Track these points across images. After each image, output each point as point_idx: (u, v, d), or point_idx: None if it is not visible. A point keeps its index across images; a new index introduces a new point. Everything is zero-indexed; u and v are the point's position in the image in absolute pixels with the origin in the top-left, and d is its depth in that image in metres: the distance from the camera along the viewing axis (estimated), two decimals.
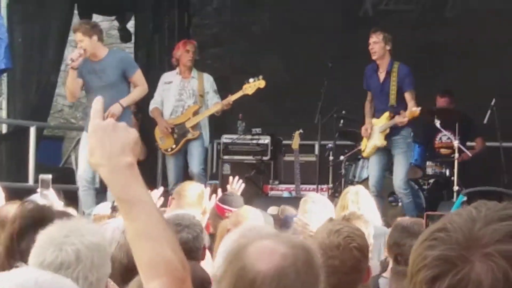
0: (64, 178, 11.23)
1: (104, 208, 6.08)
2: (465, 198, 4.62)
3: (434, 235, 1.37)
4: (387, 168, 9.48)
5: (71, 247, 2.84)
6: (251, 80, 9.90)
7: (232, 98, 9.91)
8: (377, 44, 9.21)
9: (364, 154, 9.58)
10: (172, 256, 1.92)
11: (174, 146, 10.08)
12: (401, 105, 9.24)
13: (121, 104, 8.93)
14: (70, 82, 9.08)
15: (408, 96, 9.23)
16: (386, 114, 9.29)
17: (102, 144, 1.95)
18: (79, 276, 2.81)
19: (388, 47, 9.25)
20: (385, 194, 9.53)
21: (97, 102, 2.03)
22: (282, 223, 5.95)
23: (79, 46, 9.00)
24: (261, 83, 9.87)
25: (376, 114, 9.45)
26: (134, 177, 1.95)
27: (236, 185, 6.91)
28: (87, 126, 9.12)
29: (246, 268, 2.14)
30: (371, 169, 9.40)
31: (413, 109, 9.07)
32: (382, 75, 9.32)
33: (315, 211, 5.85)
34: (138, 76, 9.23)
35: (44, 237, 2.89)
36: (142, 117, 10.90)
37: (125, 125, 1.99)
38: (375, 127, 9.33)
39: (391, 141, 9.25)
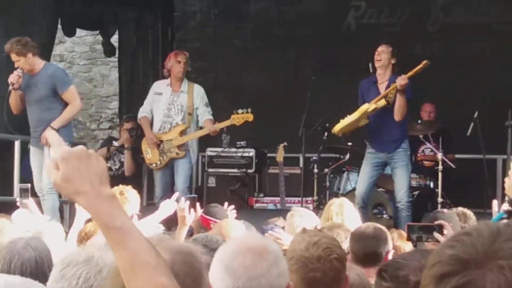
0: None
1: (91, 225, 5.71)
2: (505, 215, 4.54)
3: (458, 237, 1.40)
4: (375, 182, 9.38)
5: None
6: (240, 111, 9.89)
7: (219, 126, 9.93)
8: (384, 53, 9.17)
9: (335, 130, 9.24)
10: (169, 283, 1.88)
11: (159, 162, 10.08)
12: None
13: (52, 127, 8.76)
14: (13, 98, 9.08)
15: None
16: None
17: (79, 172, 1.90)
18: None
19: (393, 61, 9.19)
20: (369, 206, 9.54)
21: (53, 133, 2.07)
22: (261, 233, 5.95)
23: (16, 65, 8.93)
24: (249, 116, 9.85)
25: None
26: (119, 206, 1.92)
27: (230, 213, 6.78)
28: (33, 141, 9.13)
29: None
30: (360, 180, 9.26)
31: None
32: (383, 86, 9.17)
33: (303, 225, 5.86)
34: (69, 93, 8.97)
35: None
36: (137, 135, 10.74)
37: (96, 154, 1.96)
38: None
39: (392, 155, 9.13)
